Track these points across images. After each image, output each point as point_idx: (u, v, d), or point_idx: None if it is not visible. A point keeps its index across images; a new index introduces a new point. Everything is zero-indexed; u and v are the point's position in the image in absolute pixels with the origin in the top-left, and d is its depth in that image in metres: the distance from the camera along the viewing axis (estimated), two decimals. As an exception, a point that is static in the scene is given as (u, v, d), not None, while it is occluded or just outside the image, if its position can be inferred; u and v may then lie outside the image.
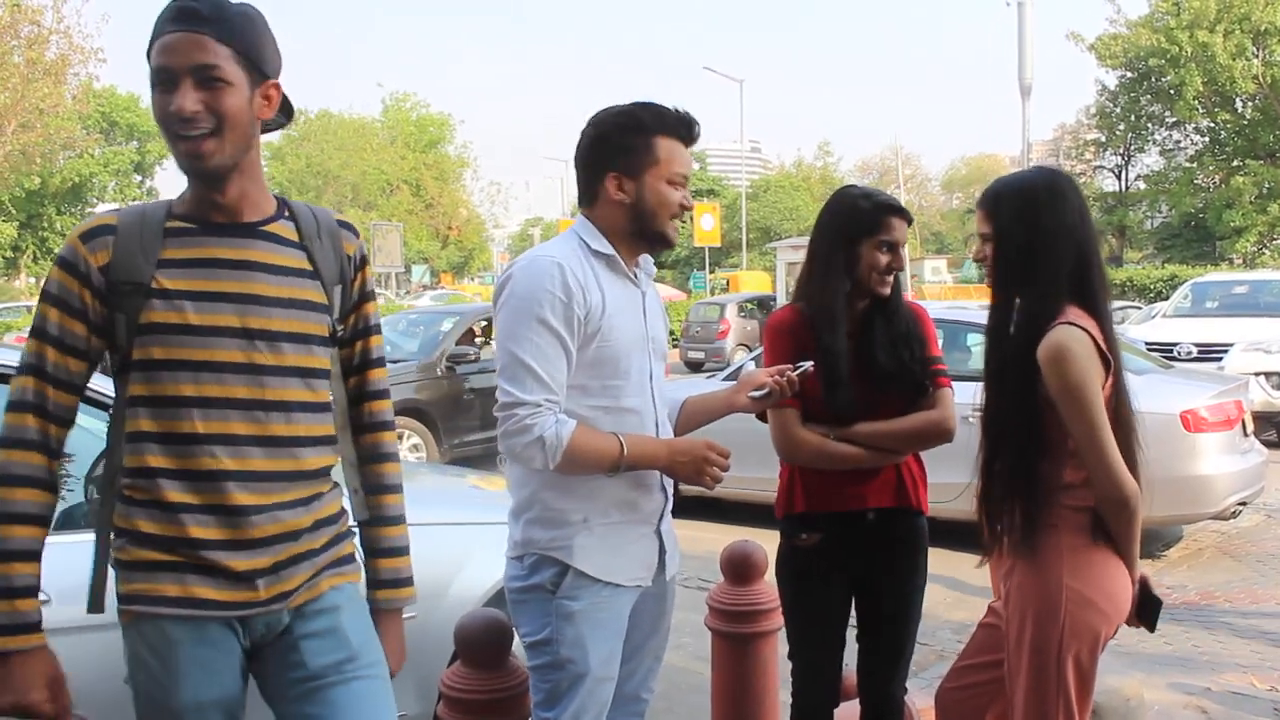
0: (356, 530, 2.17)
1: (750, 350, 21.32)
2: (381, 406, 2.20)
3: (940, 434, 2.92)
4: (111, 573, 1.95)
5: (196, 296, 1.89)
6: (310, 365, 2.00)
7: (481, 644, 2.70)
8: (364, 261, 2.14)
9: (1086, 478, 2.43)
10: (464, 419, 10.54)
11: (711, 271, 40.06)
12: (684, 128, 2.49)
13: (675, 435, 2.67)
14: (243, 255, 1.93)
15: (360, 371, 2.17)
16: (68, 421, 1.93)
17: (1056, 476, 2.45)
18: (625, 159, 2.44)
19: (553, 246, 2.47)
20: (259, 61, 1.90)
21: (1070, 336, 2.37)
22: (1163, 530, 7.66)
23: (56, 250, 1.96)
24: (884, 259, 2.89)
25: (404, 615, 3.52)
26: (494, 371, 2.47)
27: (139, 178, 55.18)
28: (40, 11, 26.95)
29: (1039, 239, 2.48)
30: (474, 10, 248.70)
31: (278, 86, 1.95)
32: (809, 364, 2.68)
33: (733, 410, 2.74)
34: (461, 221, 61.13)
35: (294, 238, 2.02)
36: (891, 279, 2.93)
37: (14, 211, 40.98)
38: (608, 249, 2.46)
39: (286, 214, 2.04)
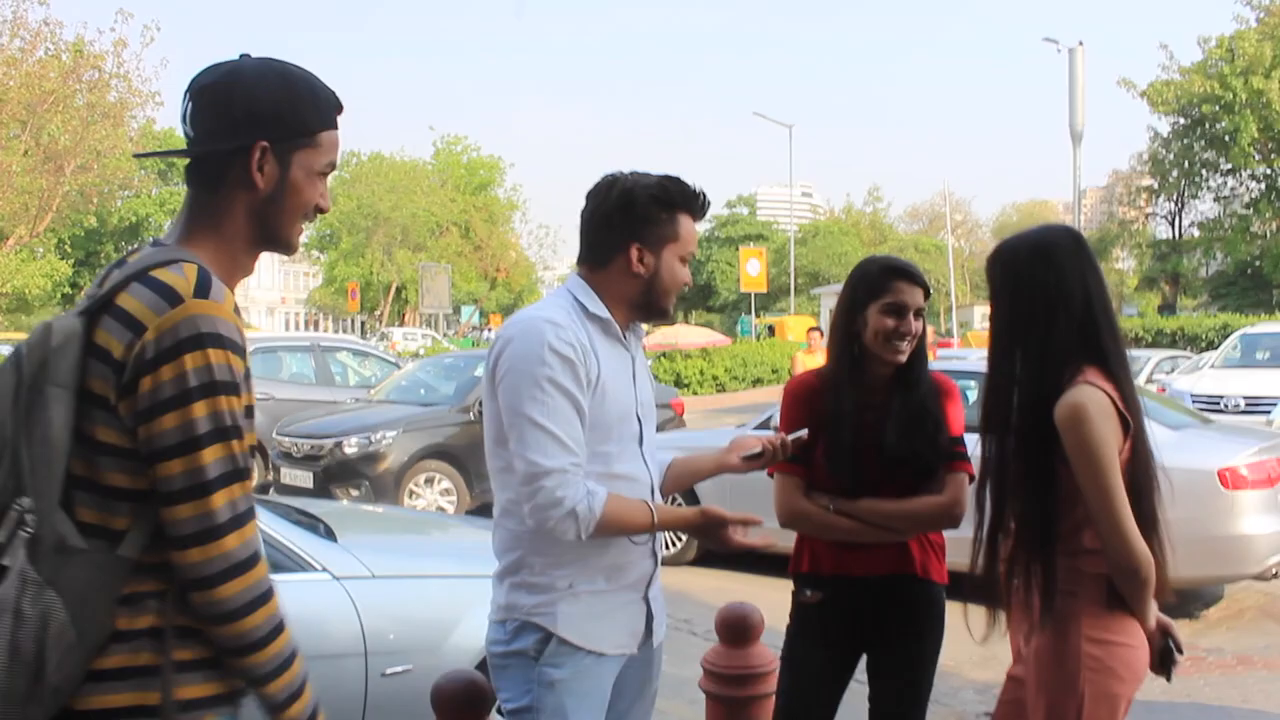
0: None
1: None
2: None
3: (945, 520, 2.89)
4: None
5: (248, 374, 1.83)
6: None
7: (458, 704, 2.66)
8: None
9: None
10: (496, 463, 10.52)
11: (758, 316, 39.98)
12: (700, 207, 2.50)
13: (663, 495, 2.63)
14: None
15: None
16: None
17: (1076, 541, 2.40)
18: (651, 231, 2.43)
19: (546, 309, 2.43)
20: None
21: (1088, 397, 2.33)
22: (1201, 591, 7.44)
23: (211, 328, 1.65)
24: (890, 323, 2.85)
25: (400, 668, 3.54)
26: None
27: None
28: (102, 57, 27.60)
29: (1032, 300, 2.45)
30: (525, 51, 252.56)
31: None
32: (803, 431, 2.67)
33: (722, 471, 2.70)
34: (510, 264, 61.56)
35: None
36: (905, 345, 2.88)
37: (71, 250, 41.85)
38: (604, 313, 2.43)
39: None
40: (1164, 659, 2.52)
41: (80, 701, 1.62)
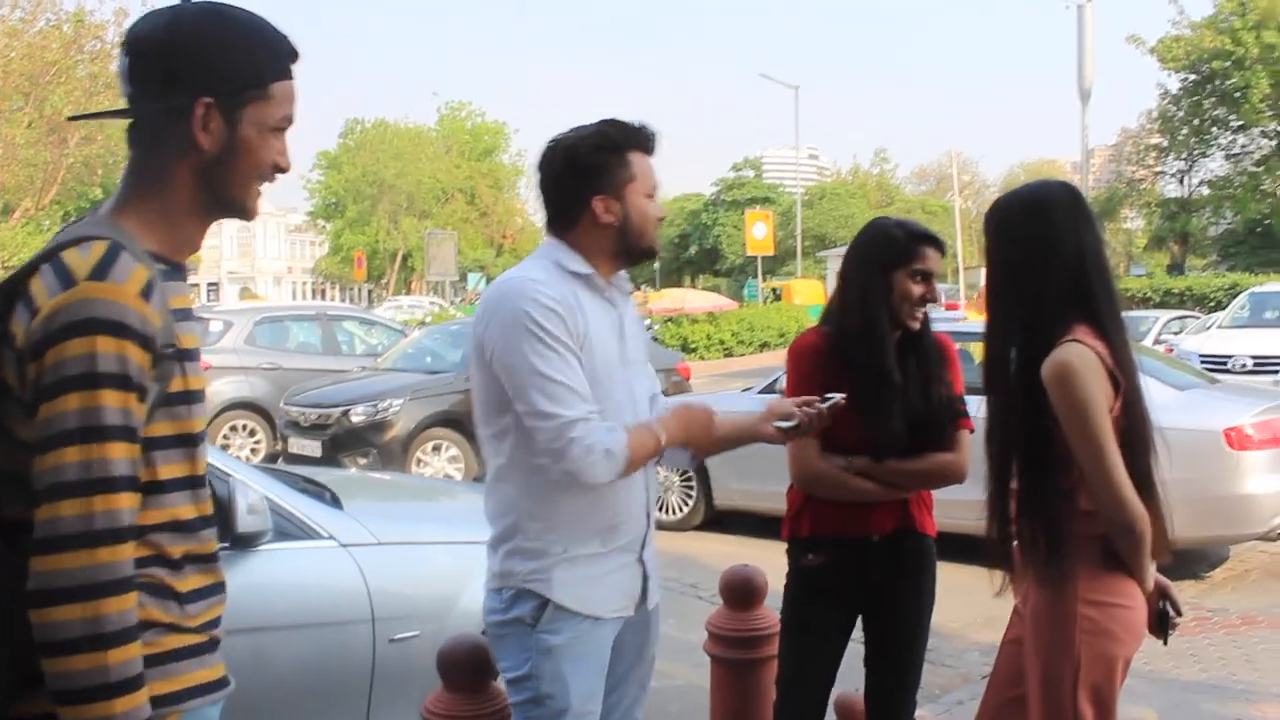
0: None
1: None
2: None
3: (953, 478, 2.95)
4: None
5: (191, 356, 1.63)
6: None
7: (463, 668, 2.69)
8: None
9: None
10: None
11: (764, 280, 39.88)
12: (649, 140, 2.47)
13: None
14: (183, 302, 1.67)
15: None
16: None
17: (1072, 502, 2.39)
18: (606, 178, 2.41)
19: (527, 268, 2.43)
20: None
21: (1074, 354, 2.32)
22: (1206, 551, 7.46)
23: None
24: (917, 290, 2.88)
25: (407, 634, 3.57)
26: None
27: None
28: (104, 27, 27.48)
29: (1024, 255, 2.44)
30: (527, 14, 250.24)
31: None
32: (840, 396, 2.61)
33: (757, 440, 2.62)
34: (516, 230, 61.55)
35: None
36: (922, 312, 2.91)
37: (79, 222, 41.91)
38: (586, 269, 2.41)
39: None
40: (1161, 621, 2.53)
41: (17, 709, 1.49)
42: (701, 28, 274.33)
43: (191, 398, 1.61)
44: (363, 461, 9.78)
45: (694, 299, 36.30)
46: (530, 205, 62.86)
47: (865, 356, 2.85)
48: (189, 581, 1.63)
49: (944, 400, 2.93)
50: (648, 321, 23.12)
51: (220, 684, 1.68)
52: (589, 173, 2.41)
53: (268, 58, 1.63)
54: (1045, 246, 2.42)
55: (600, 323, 2.41)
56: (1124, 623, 2.40)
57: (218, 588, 1.71)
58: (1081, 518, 2.40)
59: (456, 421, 10.17)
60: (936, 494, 3.06)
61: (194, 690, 1.62)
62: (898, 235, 2.92)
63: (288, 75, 1.66)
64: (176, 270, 1.67)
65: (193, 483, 1.64)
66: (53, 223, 35.12)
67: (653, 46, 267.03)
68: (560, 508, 2.35)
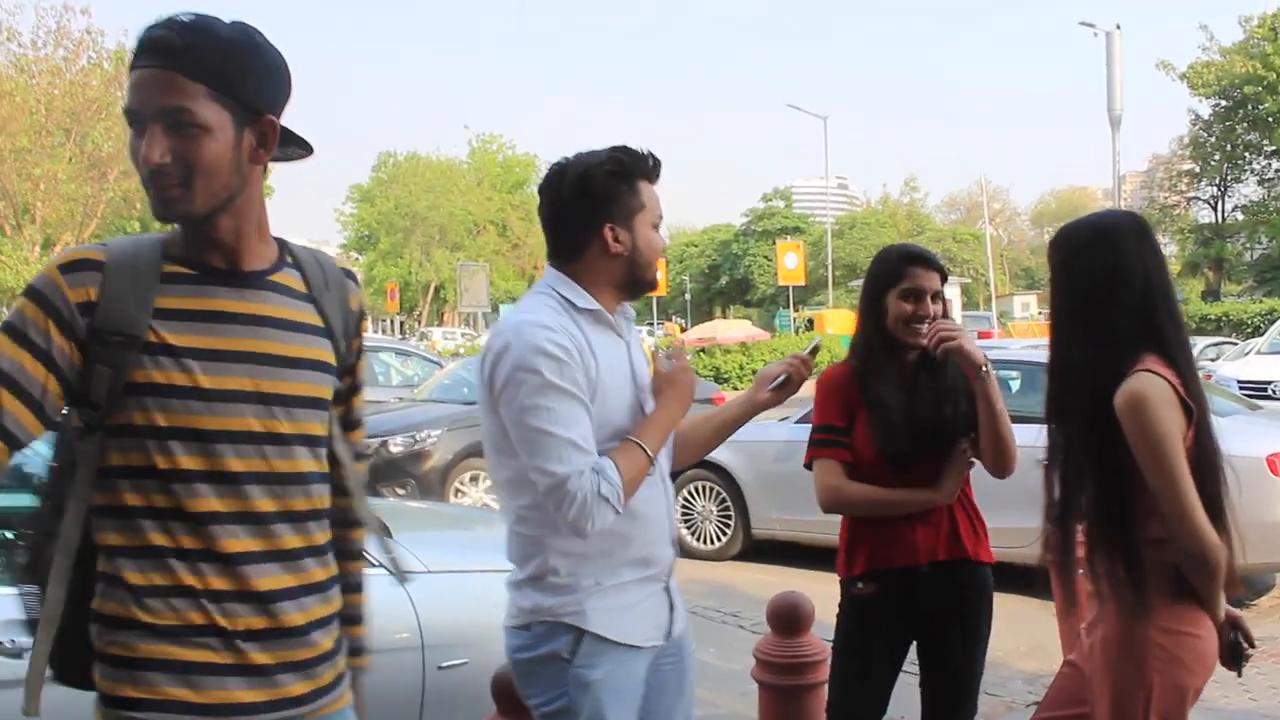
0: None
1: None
2: (361, 469, 2.00)
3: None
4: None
5: (205, 355, 1.65)
6: (318, 433, 1.80)
7: (516, 693, 2.70)
8: (363, 315, 1.96)
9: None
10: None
11: (796, 310, 39.88)
12: (656, 169, 2.42)
13: (701, 450, 2.69)
14: (251, 309, 1.71)
15: (348, 432, 1.97)
16: None
17: (1143, 531, 2.38)
18: (618, 207, 2.35)
19: (533, 310, 2.33)
20: (246, 96, 1.65)
21: (1148, 384, 2.31)
22: (1252, 578, 7.37)
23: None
24: (908, 307, 2.95)
25: (456, 661, 3.60)
26: None
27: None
28: (144, 65, 28.09)
29: (1093, 284, 2.44)
30: (556, 46, 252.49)
31: (273, 122, 1.70)
32: (817, 339, 2.78)
33: (754, 409, 2.64)
34: (547, 261, 61.84)
35: (302, 289, 1.80)
36: (923, 328, 2.95)
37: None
38: (592, 304, 2.35)
39: (290, 261, 1.82)
40: (1233, 652, 2.49)
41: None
42: (730, 59, 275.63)
43: (208, 395, 1.65)
44: (401, 492, 9.83)
45: (726, 329, 36.32)
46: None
47: (869, 381, 2.98)
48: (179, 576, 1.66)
49: (958, 416, 2.97)
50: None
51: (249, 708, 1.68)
52: (601, 200, 2.34)
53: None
54: (1114, 276, 2.41)
55: (610, 358, 2.35)
56: (1196, 652, 2.38)
57: (248, 595, 1.69)
58: (1153, 547, 2.38)
59: (493, 452, 10.21)
60: None
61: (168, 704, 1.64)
62: (889, 258, 3.05)
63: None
64: (218, 274, 1.71)
65: (216, 478, 1.67)
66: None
67: (683, 78, 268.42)
68: (590, 543, 2.27)
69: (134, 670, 1.63)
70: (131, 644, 1.64)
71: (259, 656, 1.68)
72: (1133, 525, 2.38)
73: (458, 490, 9.99)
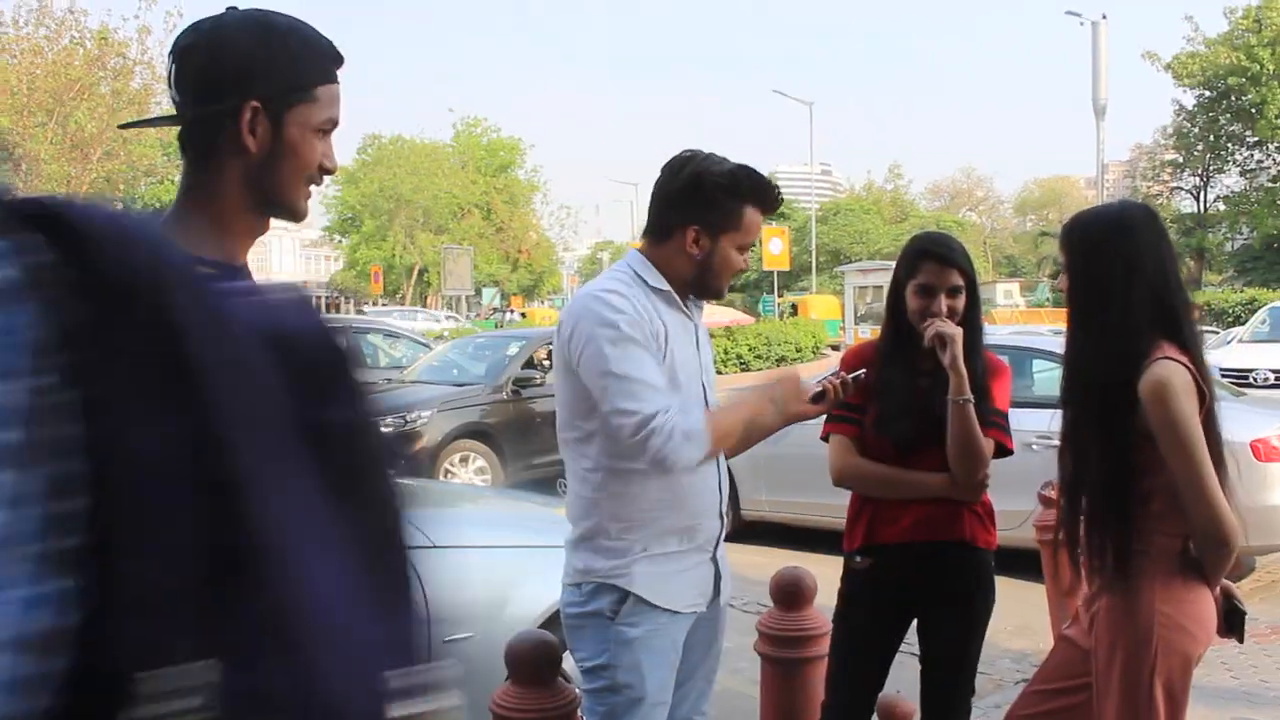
0: None
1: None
2: None
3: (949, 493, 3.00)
4: None
5: None
6: None
7: (531, 663, 2.76)
8: None
9: (1176, 507, 2.42)
10: (530, 442, 10.58)
11: (780, 295, 39.94)
12: (772, 202, 2.56)
13: (727, 456, 2.72)
14: None
15: None
16: None
17: (1148, 507, 2.46)
18: (712, 217, 2.48)
19: (606, 281, 2.53)
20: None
21: (1171, 372, 2.38)
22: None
23: None
24: (920, 302, 2.94)
25: (461, 635, 3.66)
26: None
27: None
28: (126, 44, 27.86)
29: (1109, 272, 2.50)
30: (543, 31, 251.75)
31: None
32: (862, 371, 2.76)
33: (801, 418, 2.67)
34: (531, 245, 61.65)
35: None
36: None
37: (99, 236, 42.21)
38: (664, 285, 2.51)
39: None
40: (1230, 619, 2.57)
41: None
42: (717, 44, 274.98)
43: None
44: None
45: (711, 314, 36.24)
46: (545, 220, 63.14)
47: (882, 364, 2.99)
48: None
49: (975, 403, 2.97)
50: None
51: None
52: (700, 203, 2.48)
53: (312, 61, 1.63)
54: (1130, 264, 2.48)
55: (679, 332, 2.51)
56: (1198, 619, 2.46)
57: None
58: (1153, 523, 2.46)
59: (484, 433, 10.30)
60: None
61: None
62: (907, 250, 3.03)
63: (332, 79, 1.65)
64: (231, 272, 1.67)
65: None
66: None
67: (669, 63, 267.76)
68: (642, 509, 2.45)
69: None
70: None
71: None
72: (1131, 503, 2.45)
73: (447, 471, 10.04)
